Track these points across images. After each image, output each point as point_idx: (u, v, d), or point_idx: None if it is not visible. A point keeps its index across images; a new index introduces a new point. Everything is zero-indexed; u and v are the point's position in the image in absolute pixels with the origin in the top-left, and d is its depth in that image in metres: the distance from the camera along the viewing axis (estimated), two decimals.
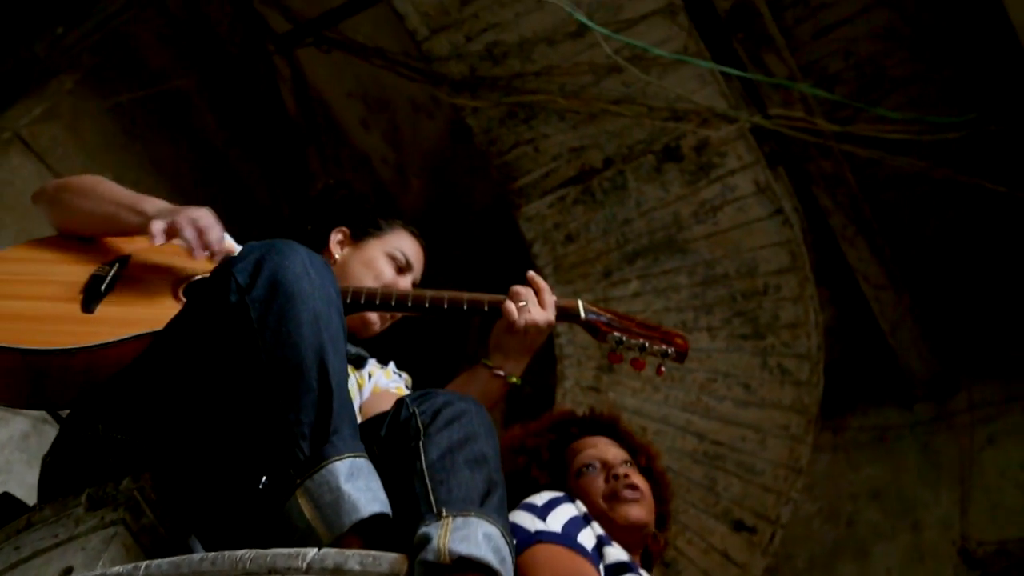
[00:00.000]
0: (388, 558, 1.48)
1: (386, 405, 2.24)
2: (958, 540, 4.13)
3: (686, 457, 3.82)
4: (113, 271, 2.02)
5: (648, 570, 2.13)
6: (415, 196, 6.10)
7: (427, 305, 2.08)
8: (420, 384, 2.36)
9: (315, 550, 1.49)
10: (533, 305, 2.06)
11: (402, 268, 2.30)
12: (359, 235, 2.36)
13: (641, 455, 2.22)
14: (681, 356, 2.17)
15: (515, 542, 1.77)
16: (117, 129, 4.67)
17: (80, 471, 1.81)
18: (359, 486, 1.57)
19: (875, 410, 4.75)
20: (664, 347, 2.15)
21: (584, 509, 1.95)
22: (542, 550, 1.78)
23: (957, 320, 4.65)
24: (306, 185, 5.51)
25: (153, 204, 2.01)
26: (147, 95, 4.70)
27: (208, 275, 1.82)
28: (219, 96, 5.27)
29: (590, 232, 4.05)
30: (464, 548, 1.42)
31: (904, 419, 4.67)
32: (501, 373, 2.05)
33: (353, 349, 2.30)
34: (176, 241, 1.92)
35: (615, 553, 1.87)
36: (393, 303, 2.08)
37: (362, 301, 2.07)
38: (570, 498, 1.97)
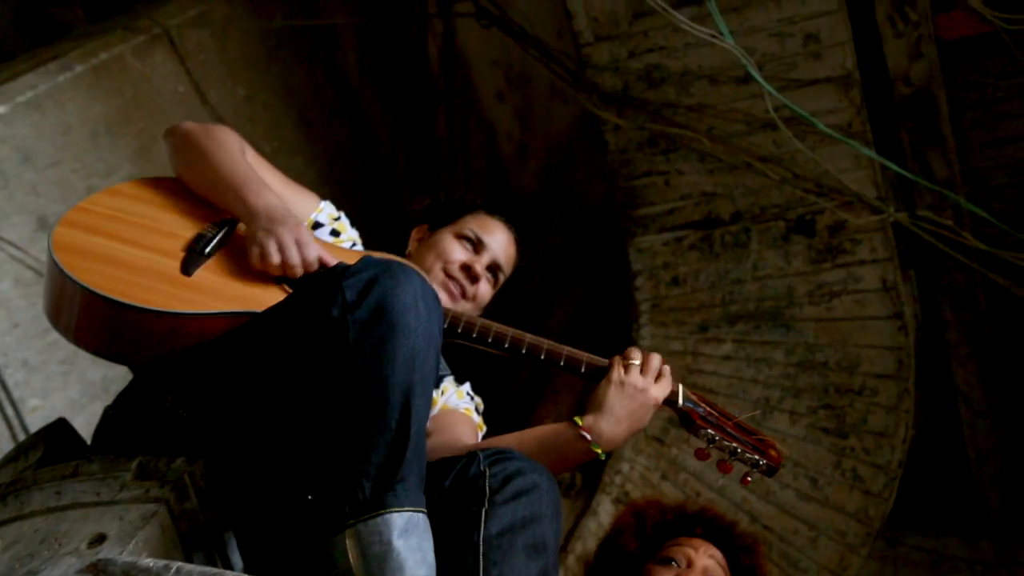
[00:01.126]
0: None
1: (452, 425, 2.17)
2: None
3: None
4: (220, 235, 1.95)
5: None
6: (529, 177, 6.01)
7: (523, 351, 1.98)
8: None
9: None
10: (649, 371, 1.94)
11: (475, 245, 2.21)
12: (435, 226, 2.29)
13: (745, 556, 2.09)
14: (772, 471, 2.04)
15: None
16: (261, 49, 4.65)
17: (138, 435, 1.77)
18: (411, 544, 1.50)
19: (938, 534, 4.53)
20: (756, 457, 2.01)
21: None
22: None
23: None
24: (429, 142, 5.44)
25: (259, 198, 1.92)
26: (298, 24, 4.68)
27: (316, 275, 1.75)
28: (367, 38, 5.23)
29: (698, 281, 3.90)
30: None
31: (965, 552, 4.44)
32: (589, 437, 1.94)
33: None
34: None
35: None
36: (491, 340, 1.98)
37: (459, 331, 1.98)
38: None
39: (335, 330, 1.59)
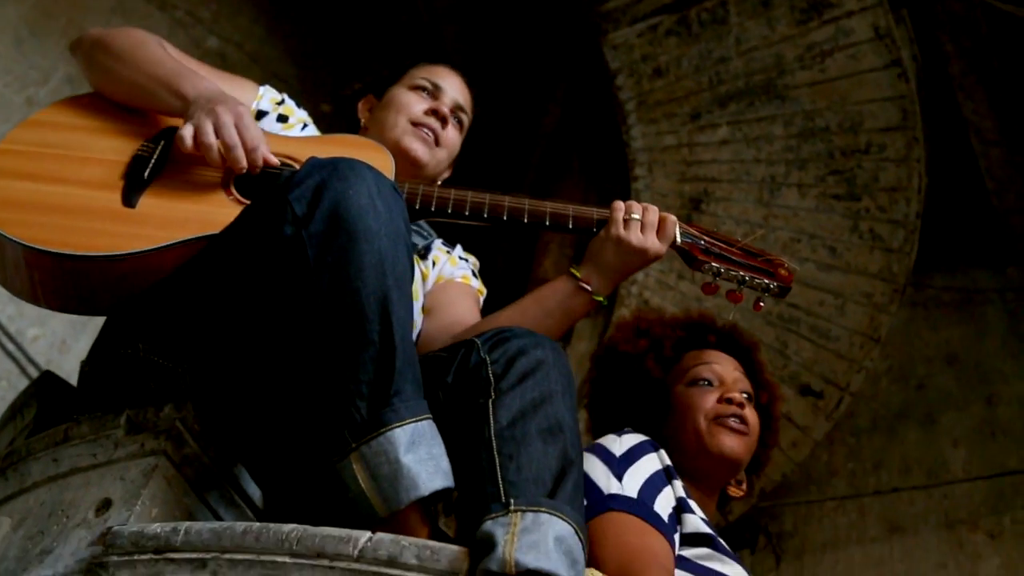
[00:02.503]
0: (447, 553, 1.35)
1: (451, 300, 2.08)
2: None
3: (758, 318, 3.62)
4: (158, 152, 1.81)
5: (720, 509, 1.99)
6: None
7: (504, 217, 1.85)
8: (488, 298, 2.17)
9: (367, 535, 1.37)
10: (648, 226, 1.83)
11: (431, 92, 2.12)
12: (381, 92, 2.18)
13: (764, 392, 2.03)
14: (784, 291, 1.94)
15: (586, 504, 1.62)
16: None
17: (119, 389, 1.69)
18: (420, 456, 1.43)
19: (964, 270, 4.46)
20: (766, 281, 1.92)
21: (667, 461, 1.79)
22: (613, 520, 1.63)
23: None
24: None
25: (194, 87, 1.76)
26: None
27: (262, 194, 1.61)
28: None
29: (681, 68, 3.69)
30: (532, 559, 1.29)
31: (995, 283, 4.38)
32: (588, 287, 1.84)
33: (420, 242, 2.10)
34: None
35: (694, 522, 1.72)
36: (468, 212, 1.85)
37: (432, 209, 1.84)
38: (653, 444, 1.81)
39: (292, 250, 1.48)
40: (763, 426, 1.97)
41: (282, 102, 2.10)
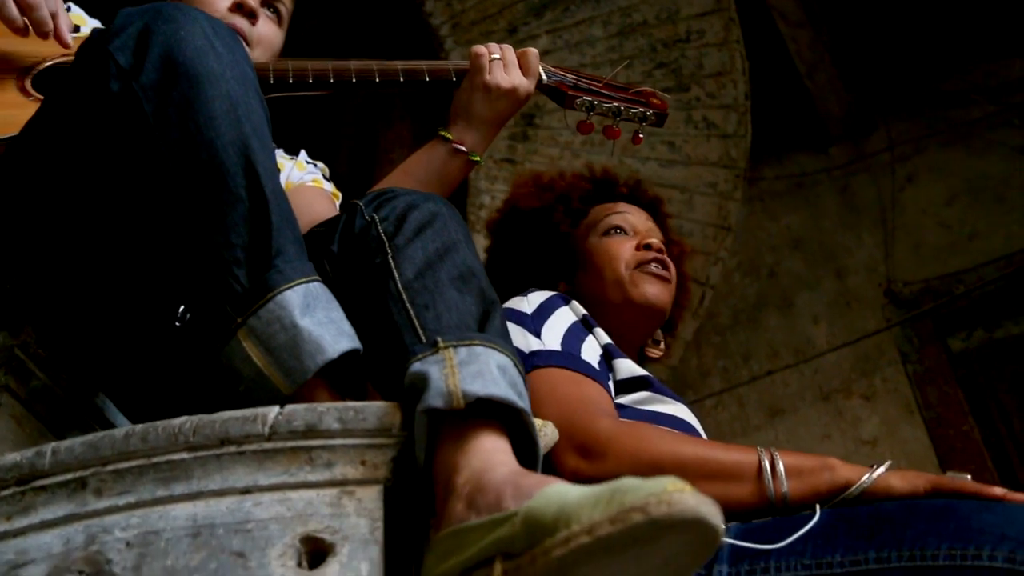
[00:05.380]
0: (374, 409, 1.16)
1: (307, 203, 1.87)
2: (883, 282, 4.06)
3: None
4: None
5: None
6: None
7: (353, 80, 1.67)
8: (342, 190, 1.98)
9: (277, 409, 1.16)
10: (510, 64, 1.69)
11: None
12: None
13: (674, 246, 1.93)
14: (661, 118, 1.85)
15: None
16: None
17: None
18: (319, 319, 1.23)
19: (790, 157, 4.56)
20: (642, 110, 1.82)
21: (582, 311, 1.64)
22: (541, 377, 1.47)
23: (873, 58, 4.43)
24: None
25: None
26: None
27: (69, 60, 1.37)
28: None
29: None
30: (480, 387, 1.10)
31: (821, 164, 4.50)
32: (463, 148, 1.68)
33: None
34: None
35: (627, 366, 1.58)
36: (311, 80, 1.65)
37: (271, 81, 1.64)
38: (563, 298, 1.67)
39: (124, 107, 1.24)
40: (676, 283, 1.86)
41: (68, 9, 1.84)
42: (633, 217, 1.86)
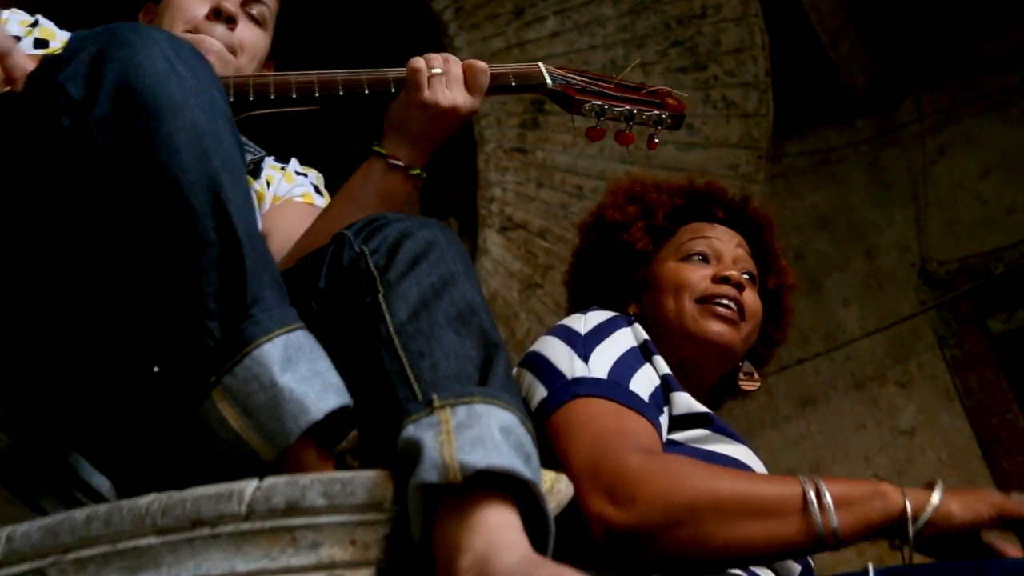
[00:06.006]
0: (362, 480, 1.03)
1: (292, 222, 1.74)
2: (917, 262, 3.88)
3: None
4: None
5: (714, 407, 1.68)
6: None
7: (341, 92, 1.53)
8: None
9: (255, 483, 1.03)
10: (454, 80, 1.53)
11: None
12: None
13: (772, 276, 1.73)
14: (678, 120, 1.69)
15: (547, 395, 1.35)
16: None
17: None
18: (302, 373, 1.10)
19: (814, 131, 4.37)
20: (656, 112, 1.67)
21: (644, 336, 1.49)
22: (580, 408, 1.32)
23: (899, 25, 4.22)
24: None
25: None
26: None
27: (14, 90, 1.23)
28: None
29: None
30: (481, 456, 0.97)
31: (847, 138, 4.31)
32: (399, 162, 1.53)
33: (248, 157, 1.76)
34: None
35: (685, 400, 1.42)
36: (295, 95, 1.51)
37: (251, 98, 1.50)
38: (626, 319, 1.52)
39: (77, 143, 1.11)
40: (769, 317, 1.69)
41: (35, 23, 1.71)
42: (721, 243, 1.66)
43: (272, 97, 1.51)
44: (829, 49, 4.11)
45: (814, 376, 3.77)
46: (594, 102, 1.62)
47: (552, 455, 1.29)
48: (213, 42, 1.72)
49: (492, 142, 3.43)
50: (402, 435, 1.02)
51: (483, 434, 0.99)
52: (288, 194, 1.79)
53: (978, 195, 3.88)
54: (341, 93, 1.52)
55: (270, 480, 1.02)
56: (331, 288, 1.24)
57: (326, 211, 1.57)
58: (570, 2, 3.41)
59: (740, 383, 1.68)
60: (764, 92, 3.47)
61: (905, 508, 1.17)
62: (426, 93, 1.50)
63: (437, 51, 1.57)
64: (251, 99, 1.50)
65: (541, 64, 1.63)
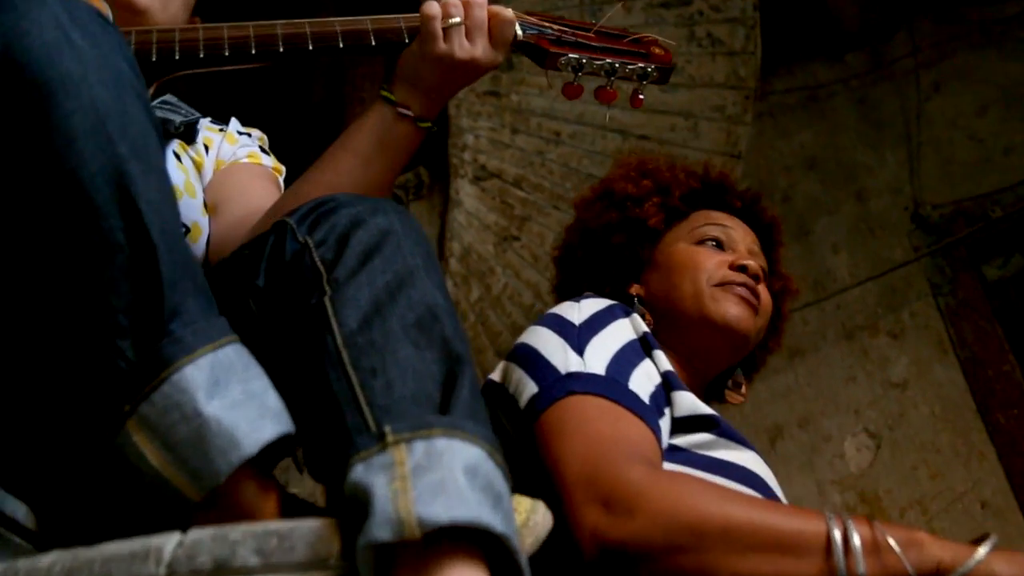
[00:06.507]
0: (303, 534, 0.88)
1: (242, 187, 1.56)
2: (910, 205, 3.71)
3: (608, 158, 3.21)
4: None
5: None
6: None
7: (281, 50, 1.34)
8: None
9: (176, 539, 0.88)
10: (475, 30, 1.36)
11: None
12: None
13: (777, 280, 1.65)
14: (666, 73, 1.51)
15: (538, 391, 1.24)
16: None
17: None
18: (232, 398, 0.94)
19: (801, 67, 4.16)
20: (641, 65, 1.48)
21: (644, 328, 1.36)
22: (574, 406, 1.20)
23: None
24: None
25: None
26: None
27: None
28: None
29: None
30: (442, 509, 0.83)
31: (835, 73, 4.11)
32: (409, 112, 1.37)
33: (177, 119, 1.56)
34: None
35: (689, 401, 1.30)
36: (228, 52, 1.32)
37: (177, 57, 1.30)
38: (624, 309, 1.40)
39: None
40: (771, 318, 1.59)
41: None
42: (737, 234, 1.58)
43: (226, 54, 1.32)
44: None
45: (803, 326, 3.62)
46: (571, 55, 1.43)
47: (541, 458, 1.18)
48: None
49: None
50: (350, 477, 0.86)
51: (444, 479, 0.84)
52: (233, 157, 1.61)
53: (974, 134, 3.70)
54: (341, 45, 1.35)
55: (194, 534, 0.86)
56: (271, 286, 1.07)
57: (322, 163, 1.40)
58: None
59: (727, 393, 1.60)
60: (752, 28, 3.27)
61: (942, 562, 1.03)
62: (441, 45, 1.35)
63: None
64: (177, 58, 1.30)
65: (510, 10, 1.44)
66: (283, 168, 1.67)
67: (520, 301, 3.23)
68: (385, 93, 1.38)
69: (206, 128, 1.62)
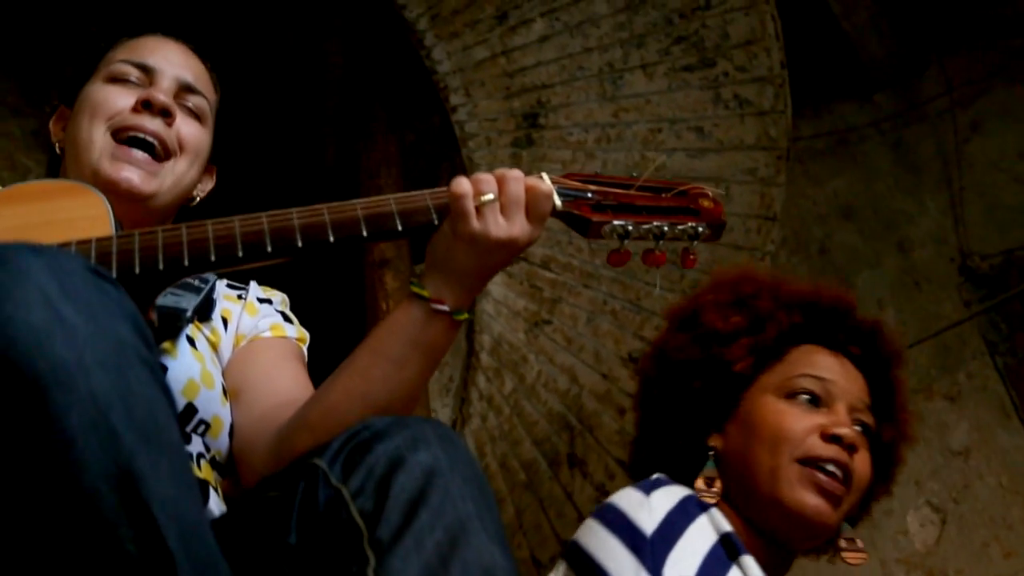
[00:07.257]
0: None
1: (263, 365, 1.45)
2: (956, 256, 3.52)
3: None
4: None
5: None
6: None
7: (300, 244, 1.19)
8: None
9: None
10: (511, 206, 1.21)
11: (139, 78, 1.44)
12: (73, 98, 1.49)
13: (890, 427, 1.46)
14: (718, 230, 1.35)
15: None
16: None
17: None
18: None
19: (828, 108, 3.98)
20: (691, 224, 1.32)
21: (725, 527, 1.23)
22: None
23: None
24: None
25: None
26: None
27: None
28: None
29: None
30: None
31: (866, 115, 3.92)
32: (445, 307, 1.22)
33: (191, 300, 1.42)
34: None
35: None
36: (242, 253, 1.17)
37: (185, 264, 1.16)
38: (699, 504, 1.26)
39: None
40: (877, 472, 1.43)
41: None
42: (839, 385, 1.40)
43: (281, 247, 1.18)
44: (842, 20, 3.72)
45: None
46: (615, 223, 1.28)
47: None
48: (136, 155, 1.40)
49: (483, 165, 3.07)
50: None
51: None
52: (254, 330, 1.49)
53: (1019, 176, 3.51)
54: (365, 234, 1.20)
55: None
56: (305, 545, 0.98)
57: (352, 367, 1.27)
58: (558, 1, 3.02)
59: (843, 556, 1.41)
60: (780, 87, 3.10)
61: None
62: (475, 224, 1.20)
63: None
64: (240, 255, 1.16)
65: (546, 176, 1.29)
66: (307, 336, 1.53)
67: (555, 387, 3.08)
68: (416, 289, 1.23)
69: (223, 297, 1.50)
